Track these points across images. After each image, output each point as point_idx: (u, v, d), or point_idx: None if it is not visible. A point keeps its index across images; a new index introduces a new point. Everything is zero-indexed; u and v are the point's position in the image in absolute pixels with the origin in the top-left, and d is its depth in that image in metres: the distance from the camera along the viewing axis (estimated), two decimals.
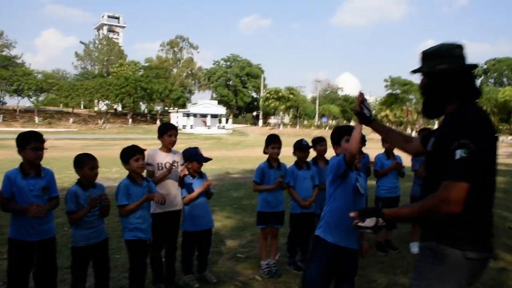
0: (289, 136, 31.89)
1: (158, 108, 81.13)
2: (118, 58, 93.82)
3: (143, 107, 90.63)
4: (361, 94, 2.96)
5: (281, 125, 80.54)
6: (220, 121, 79.22)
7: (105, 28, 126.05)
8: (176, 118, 73.67)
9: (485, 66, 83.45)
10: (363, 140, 3.51)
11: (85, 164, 3.82)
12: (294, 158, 5.43)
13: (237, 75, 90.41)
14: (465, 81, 2.35)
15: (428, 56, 2.42)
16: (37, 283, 3.83)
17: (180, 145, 5.07)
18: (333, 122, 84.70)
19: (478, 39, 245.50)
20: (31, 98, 69.00)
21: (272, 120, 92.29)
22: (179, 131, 5.01)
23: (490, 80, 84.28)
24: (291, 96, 79.31)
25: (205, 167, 5.06)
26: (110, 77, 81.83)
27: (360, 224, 2.27)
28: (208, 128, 73.47)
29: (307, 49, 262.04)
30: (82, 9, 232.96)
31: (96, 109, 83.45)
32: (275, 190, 5.16)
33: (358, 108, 2.95)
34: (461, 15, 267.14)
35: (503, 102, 64.06)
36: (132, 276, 4.17)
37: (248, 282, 4.89)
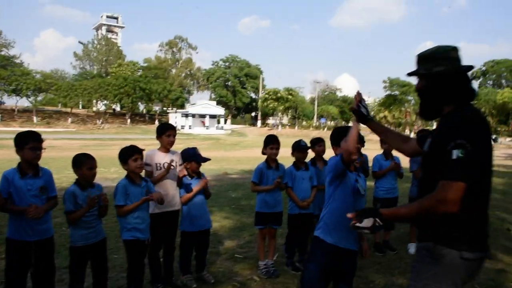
0: (287, 137, 31.89)
1: (156, 108, 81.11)
2: (117, 58, 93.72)
3: (141, 107, 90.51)
4: (359, 94, 2.99)
5: (280, 126, 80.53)
6: (218, 122, 79.20)
7: (104, 28, 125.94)
8: (175, 118, 73.59)
9: (483, 68, 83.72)
10: (362, 141, 3.51)
11: (84, 164, 3.82)
12: (293, 159, 5.43)
13: (235, 76, 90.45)
14: (462, 82, 2.36)
15: (425, 58, 2.44)
16: (35, 283, 3.83)
17: (179, 146, 5.07)
18: (331, 123, 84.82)
19: (477, 40, 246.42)
20: (29, 98, 68.86)
21: (270, 120, 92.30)
22: (177, 132, 5.01)
23: (488, 82, 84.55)
24: (289, 96, 79.38)
25: (204, 168, 5.06)
26: (108, 77, 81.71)
27: (357, 224, 2.27)
28: (207, 129, 73.46)
29: (306, 50, 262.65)
30: (81, 9, 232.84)
31: (94, 109, 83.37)
32: (274, 190, 5.16)
33: (356, 107, 2.96)
34: (460, 16, 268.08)
35: (501, 103, 64.20)
36: (130, 276, 4.16)
37: (246, 283, 4.89)
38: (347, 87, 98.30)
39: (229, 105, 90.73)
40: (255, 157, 19.45)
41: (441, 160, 2.16)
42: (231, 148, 37.46)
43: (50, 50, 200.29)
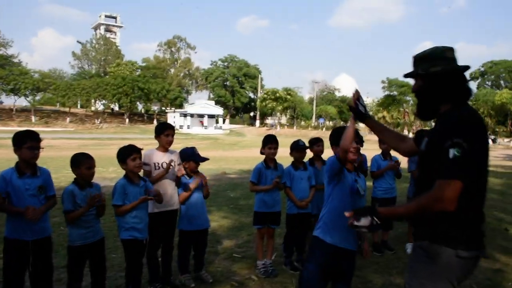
0: (286, 137, 31.90)
1: (155, 108, 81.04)
2: (115, 58, 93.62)
3: (140, 107, 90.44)
4: (357, 91, 2.99)
5: (278, 126, 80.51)
6: (217, 122, 79.15)
7: (102, 27, 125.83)
8: (173, 118, 73.57)
9: (482, 69, 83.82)
10: (361, 141, 3.51)
11: (82, 163, 3.81)
12: (291, 159, 5.43)
13: (234, 76, 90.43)
14: (458, 82, 2.38)
15: (421, 59, 2.46)
16: (33, 282, 3.83)
17: (177, 145, 5.07)
18: (330, 123, 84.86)
19: (475, 41, 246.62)
20: (27, 97, 68.74)
21: (269, 120, 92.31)
22: (176, 131, 5.01)
23: (487, 83, 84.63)
24: (288, 96, 79.38)
25: (202, 167, 5.06)
26: (107, 76, 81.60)
27: (355, 223, 2.27)
28: (205, 128, 73.44)
29: (305, 50, 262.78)
30: (79, 9, 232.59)
31: (93, 108, 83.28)
32: (272, 190, 5.16)
33: (354, 104, 2.97)
34: (459, 17, 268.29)
35: (500, 104, 64.27)
36: (128, 276, 4.16)
37: (244, 282, 4.89)
38: (345, 87, 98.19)
39: (228, 105, 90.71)
40: (253, 157, 19.46)
41: (438, 159, 2.17)
42: (230, 148, 37.48)
43: (48, 50, 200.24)
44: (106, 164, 15.63)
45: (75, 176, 3.87)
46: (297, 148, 5.34)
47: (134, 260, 4.13)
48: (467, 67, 2.40)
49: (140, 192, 4.10)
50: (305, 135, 47.86)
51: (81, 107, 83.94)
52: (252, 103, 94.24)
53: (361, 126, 3.04)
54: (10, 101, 71.52)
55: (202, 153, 5.01)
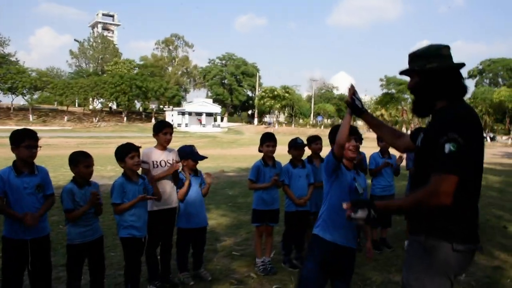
0: (284, 135, 31.93)
1: (153, 106, 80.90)
2: (113, 56, 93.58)
3: (138, 105, 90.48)
4: (352, 87, 3.00)
5: (276, 124, 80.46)
6: (215, 120, 79.18)
7: (99, 26, 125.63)
8: (171, 116, 73.60)
9: (480, 67, 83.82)
10: (360, 139, 3.50)
11: (81, 162, 3.81)
12: (289, 157, 5.43)
13: (232, 74, 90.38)
14: (454, 79, 2.41)
15: (417, 56, 2.48)
16: (32, 281, 3.82)
17: (175, 144, 5.07)
18: (328, 121, 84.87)
19: (474, 39, 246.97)
20: (25, 96, 68.63)
21: (266, 118, 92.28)
22: (174, 130, 5.01)
23: (485, 81, 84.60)
24: (286, 95, 79.28)
25: (200, 166, 5.06)
26: (105, 75, 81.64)
27: (352, 215, 2.28)
28: (203, 127, 73.42)
29: (303, 48, 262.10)
30: (77, 7, 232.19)
31: (91, 107, 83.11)
32: (270, 188, 5.16)
33: (350, 99, 2.97)
34: (457, 16, 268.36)
35: (498, 102, 64.20)
36: (127, 274, 4.16)
37: (243, 280, 4.89)
38: (344, 85, 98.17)
39: (226, 103, 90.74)
40: (251, 155, 19.47)
41: (434, 155, 2.19)
42: (228, 146, 37.52)
43: (45, 48, 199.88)
44: (104, 162, 15.63)
45: (73, 175, 3.86)
46: (295, 146, 5.34)
47: (132, 258, 4.13)
48: (462, 65, 2.43)
49: (139, 190, 4.10)
50: (303, 133, 47.89)
51: (79, 105, 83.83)
52: (250, 101, 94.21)
53: (360, 124, 3.03)
54: (7, 100, 71.54)
55: (201, 152, 5.01)
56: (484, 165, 2.44)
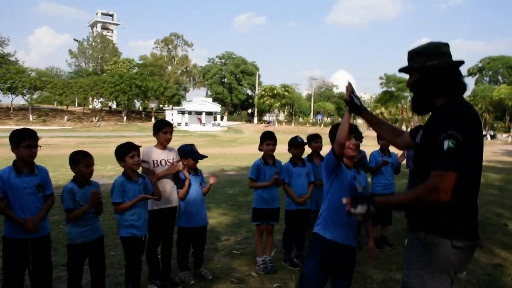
0: (284, 133, 31.93)
1: (152, 105, 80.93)
2: (112, 56, 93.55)
3: (137, 104, 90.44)
4: (350, 85, 3.00)
5: (276, 123, 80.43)
6: (215, 119, 79.16)
7: (99, 25, 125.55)
8: (171, 115, 73.58)
9: (480, 65, 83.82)
10: (360, 137, 3.50)
11: (81, 161, 3.80)
12: (289, 155, 5.43)
13: (232, 73, 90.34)
14: (454, 76, 2.41)
15: (416, 54, 2.48)
16: (33, 281, 3.82)
17: (175, 143, 5.06)
18: (328, 120, 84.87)
19: (473, 37, 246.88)
20: (25, 96, 68.62)
21: (266, 117, 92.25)
22: (174, 129, 5.00)
23: (485, 78, 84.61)
24: (286, 93, 79.24)
25: (201, 165, 5.05)
26: (104, 74, 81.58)
27: (352, 210, 2.28)
28: (203, 126, 73.42)
29: (302, 47, 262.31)
30: (76, 7, 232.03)
31: (90, 107, 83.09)
32: (271, 186, 5.16)
33: (349, 98, 2.97)
34: (457, 14, 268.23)
35: (498, 100, 64.24)
36: (127, 273, 4.16)
37: (244, 279, 4.89)
38: (343, 84, 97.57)
39: (226, 102, 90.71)
40: (251, 153, 19.46)
41: (433, 152, 2.19)
42: (228, 145, 37.53)
43: (44, 48, 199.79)
44: (104, 162, 15.63)
45: (73, 174, 3.86)
46: (295, 144, 5.34)
47: (133, 258, 4.13)
48: (461, 62, 2.44)
49: (139, 189, 4.10)
50: (303, 131, 47.88)
51: (79, 105, 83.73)
52: (250, 100, 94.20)
53: (360, 122, 3.03)
54: (7, 99, 71.53)
55: (201, 151, 5.01)
56: (484, 163, 2.45)
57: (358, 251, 3.50)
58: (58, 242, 5.65)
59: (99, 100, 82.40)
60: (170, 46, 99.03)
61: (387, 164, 6.28)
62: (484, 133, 51.08)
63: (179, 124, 70.43)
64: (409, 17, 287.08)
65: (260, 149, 5.24)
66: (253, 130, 66.83)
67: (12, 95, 67.91)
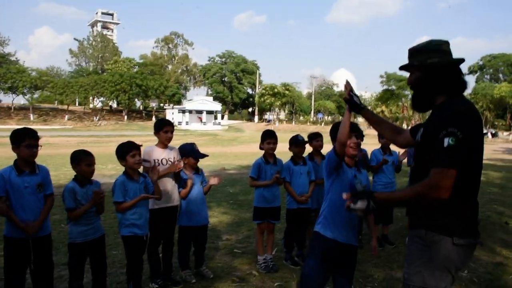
0: (285, 132, 31.92)
1: (153, 104, 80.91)
2: (113, 55, 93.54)
3: (138, 103, 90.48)
4: (348, 83, 3.00)
5: (277, 121, 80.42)
6: (215, 117, 79.13)
7: (99, 25, 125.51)
8: (172, 114, 73.55)
9: (481, 62, 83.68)
10: (361, 135, 3.50)
11: (82, 160, 3.80)
12: (290, 154, 5.43)
13: (232, 71, 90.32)
14: (454, 74, 2.41)
15: (417, 51, 2.48)
16: (34, 280, 3.83)
17: (176, 142, 5.06)
18: (328, 118, 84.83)
19: (474, 35, 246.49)
20: (25, 95, 68.64)
21: (266, 116, 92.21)
22: (174, 128, 5.00)
23: (486, 76, 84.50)
24: (286, 92, 79.19)
25: (201, 163, 5.06)
26: (104, 74, 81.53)
27: (352, 206, 2.28)
28: (204, 125, 73.39)
29: (303, 45, 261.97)
30: (76, 7, 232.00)
31: (91, 106, 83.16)
32: (272, 185, 5.16)
33: (348, 96, 2.96)
34: (457, 11, 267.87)
35: (499, 98, 64.17)
36: (129, 272, 4.16)
37: (245, 277, 4.89)
38: (344, 82, 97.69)
39: (226, 100, 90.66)
40: (252, 152, 19.46)
41: (433, 149, 2.20)
42: (229, 144, 37.53)
43: (45, 48, 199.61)
44: (105, 161, 15.63)
45: (74, 174, 3.86)
46: (296, 143, 5.33)
47: (134, 257, 4.13)
48: (462, 60, 2.44)
49: (140, 188, 4.10)
50: (304, 130, 47.87)
51: (79, 104, 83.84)
52: (251, 99, 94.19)
53: (360, 120, 3.02)
54: (8, 99, 71.62)
55: (201, 149, 5.01)
56: (486, 161, 2.45)
57: (359, 250, 3.50)
58: (59, 241, 5.65)
59: (100, 100, 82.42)
60: (170, 45, 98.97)
61: (387, 163, 6.28)
62: (485, 131, 51.08)
63: (179, 123, 70.41)
64: (409, 14, 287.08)
65: (261, 148, 5.24)
66: (253, 129, 66.83)
67: (13, 94, 67.98)
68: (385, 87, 76.22)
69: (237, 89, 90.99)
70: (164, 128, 4.67)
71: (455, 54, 2.43)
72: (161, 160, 4.63)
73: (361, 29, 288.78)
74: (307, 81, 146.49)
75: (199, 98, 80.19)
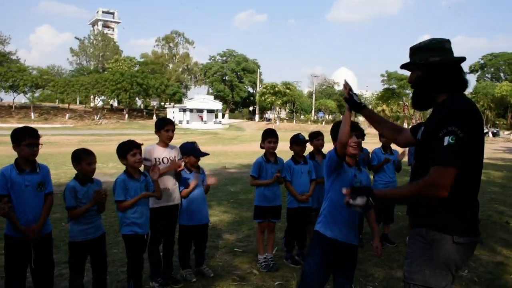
0: (285, 131, 31.90)
1: (154, 103, 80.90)
2: (114, 54, 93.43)
3: (139, 102, 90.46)
4: (347, 83, 3.00)
5: (277, 120, 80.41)
6: (216, 116, 79.09)
7: (100, 23, 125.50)
8: (173, 113, 73.52)
9: (482, 61, 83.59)
10: (361, 134, 3.50)
11: (83, 159, 3.80)
12: (291, 153, 5.42)
13: (233, 70, 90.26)
14: (455, 72, 2.42)
15: (419, 50, 2.49)
16: (35, 278, 3.83)
17: (177, 140, 5.06)
18: (329, 117, 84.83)
19: (475, 34, 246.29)
20: (26, 94, 68.61)
21: (267, 115, 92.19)
22: (175, 126, 5.00)
23: (487, 75, 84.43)
24: (287, 91, 79.22)
25: (202, 162, 5.06)
26: (105, 72, 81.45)
27: (351, 202, 2.28)
28: (205, 123, 73.38)
29: (303, 44, 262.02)
30: (77, 5, 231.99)
31: (92, 104, 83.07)
32: (272, 184, 5.15)
33: (348, 95, 2.96)
34: (458, 10, 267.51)
35: (500, 97, 64.11)
36: (129, 271, 4.16)
37: (245, 276, 4.89)
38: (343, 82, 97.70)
39: (227, 99, 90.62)
40: (253, 151, 19.46)
41: (433, 148, 2.20)
42: (229, 143, 37.49)
43: (46, 46, 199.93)
44: (106, 160, 15.62)
45: (75, 172, 3.86)
46: (297, 142, 5.33)
47: (135, 255, 4.13)
48: (463, 59, 2.44)
49: (141, 187, 4.10)
50: (305, 129, 47.84)
51: (80, 103, 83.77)
52: (251, 98, 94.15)
53: (361, 119, 3.02)
54: (9, 98, 71.64)
55: (202, 148, 5.01)
56: (486, 161, 2.45)
57: (359, 249, 3.50)
58: (60, 240, 5.65)
59: (101, 98, 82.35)
60: (171, 44, 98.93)
61: (389, 162, 6.28)
62: (486, 130, 51.00)
63: (180, 122, 70.39)
64: (410, 13, 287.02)
65: (261, 147, 5.23)
66: (254, 128, 66.86)
67: (14, 93, 67.90)
68: (386, 86, 76.12)
69: (237, 88, 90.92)
70: (165, 127, 4.67)
71: (456, 53, 2.44)
72: (162, 159, 4.63)
73: (362, 28, 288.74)
74: (308, 80, 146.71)
75: (200, 97, 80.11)
